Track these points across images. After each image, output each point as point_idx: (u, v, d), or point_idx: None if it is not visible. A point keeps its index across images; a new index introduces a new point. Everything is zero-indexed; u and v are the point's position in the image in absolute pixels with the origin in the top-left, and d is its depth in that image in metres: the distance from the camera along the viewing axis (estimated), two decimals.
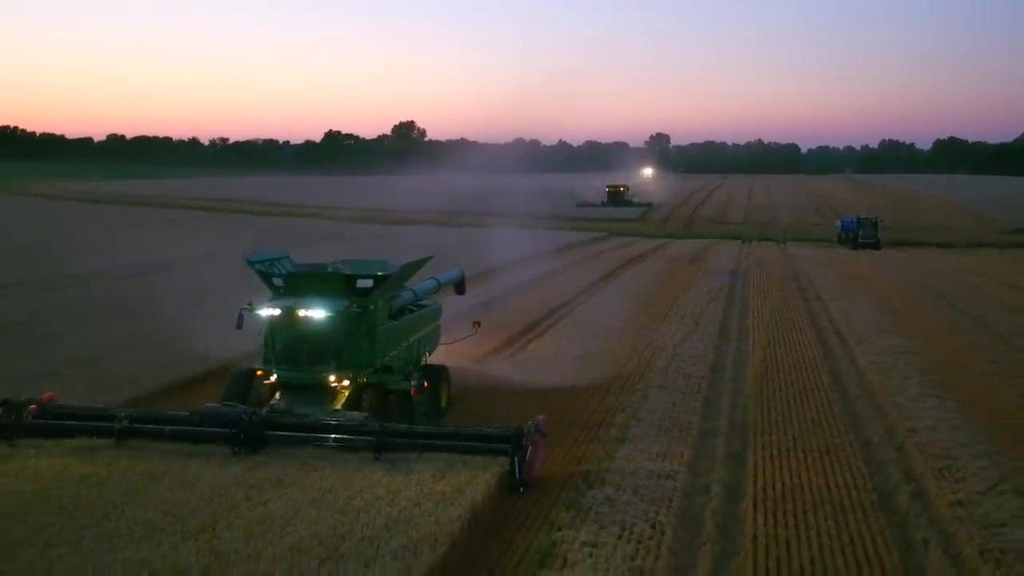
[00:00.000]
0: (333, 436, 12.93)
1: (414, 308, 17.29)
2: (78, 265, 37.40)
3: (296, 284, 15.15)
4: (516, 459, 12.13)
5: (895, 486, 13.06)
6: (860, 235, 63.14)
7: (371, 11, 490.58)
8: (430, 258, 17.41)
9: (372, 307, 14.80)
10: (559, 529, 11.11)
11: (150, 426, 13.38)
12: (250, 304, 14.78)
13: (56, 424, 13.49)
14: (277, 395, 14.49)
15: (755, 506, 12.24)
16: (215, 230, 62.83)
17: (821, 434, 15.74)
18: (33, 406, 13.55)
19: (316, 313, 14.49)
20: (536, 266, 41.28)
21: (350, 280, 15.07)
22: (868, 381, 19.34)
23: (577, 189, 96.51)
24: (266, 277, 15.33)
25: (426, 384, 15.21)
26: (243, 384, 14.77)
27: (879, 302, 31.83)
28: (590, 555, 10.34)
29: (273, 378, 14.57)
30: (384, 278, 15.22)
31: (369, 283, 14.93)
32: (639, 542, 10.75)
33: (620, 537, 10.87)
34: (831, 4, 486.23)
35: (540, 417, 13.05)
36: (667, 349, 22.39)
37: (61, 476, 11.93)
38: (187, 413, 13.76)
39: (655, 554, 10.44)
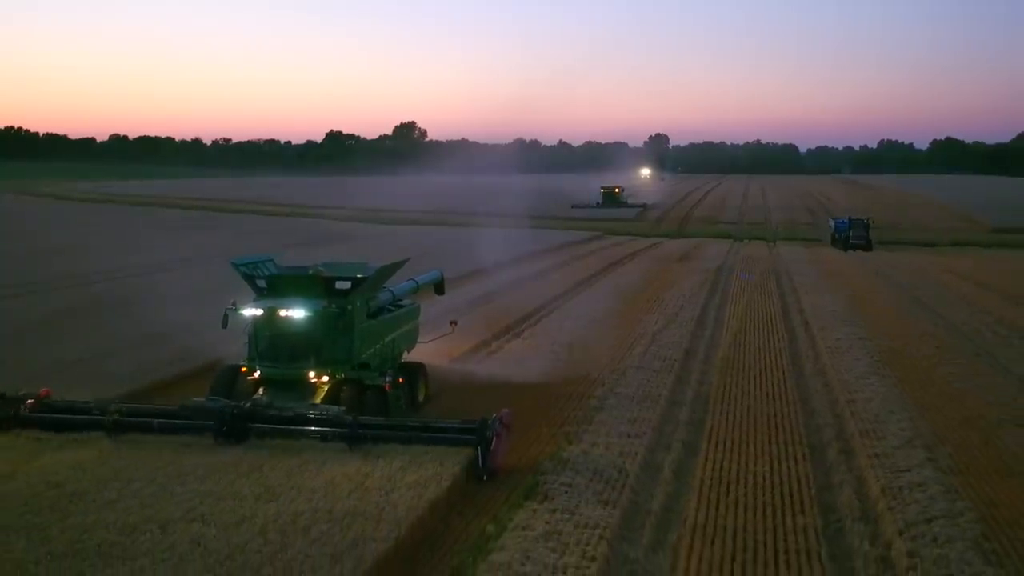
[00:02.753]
0: (310, 429, 13.85)
1: (392, 308, 18.08)
2: (98, 263, 39.48)
3: (278, 285, 16.04)
4: (480, 450, 13.04)
5: (827, 443, 15.57)
6: (851, 236, 62.44)
7: (373, 13, 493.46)
8: (406, 261, 18.25)
9: (350, 307, 15.60)
10: (542, 473, 13.49)
11: (139, 419, 14.33)
12: (234, 304, 15.71)
13: (51, 417, 14.45)
14: (260, 390, 15.33)
15: (707, 458, 14.71)
16: (222, 229, 65.17)
17: (773, 404, 18.21)
18: (31, 400, 14.52)
19: (296, 313, 15.45)
20: (532, 263, 43.75)
21: (329, 282, 15.98)
22: (822, 363, 21.80)
23: (571, 190, 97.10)
24: (250, 279, 16.23)
25: (401, 380, 16.16)
26: (228, 380, 15.63)
27: (849, 296, 34.28)
28: (566, 491, 12.74)
29: (257, 374, 15.49)
30: (362, 280, 16.13)
31: (347, 284, 15.80)
32: (607, 482, 13.16)
33: (592, 479, 13.27)
34: (830, 5, 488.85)
35: (505, 410, 13.91)
36: (647, 336, 24.81)
37: (128, 436, 14.31)
38: (174, 407, 14.67)
39: (619, 490, 12.85)
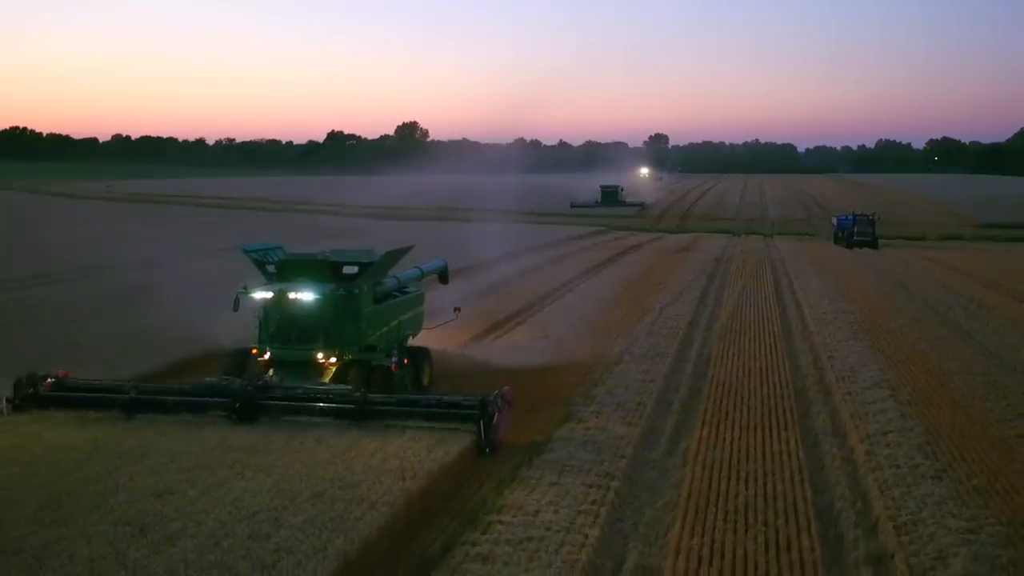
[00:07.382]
0: (318, 405, 14.27)
1: (398, 294, 18.56)
2: (120, 257, 39.76)
3: (288, 270, 16.50)
4: (482, 423, 13.57)
5: (809, 386, 18.76)
6: (856, 232, 58.61)
7: (374, 13, 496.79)
8: (411, 247, 18.67)
9: (357, 291, 16.04)
10: (575, 406, 16.63)
11: (153, 398, 14.74)
12: (245, 288, 16.04)
13: (69, 396, 14.75)
14: (270, 371, 15.67)
15: (708, 396, 17.86)
16: (233, 225, 67.31)
17: (765, 360, 21.38)
18: (49, 380, 14.85)
19: (305, 296, 15.86)
20: (542, 254, 46.91)
21: (337, 266, 16.36)
22: (809, 331, 24.97)
23: (573, 189, 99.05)
24: (260, 264, 16.73)
25: (406, 362, 16.63)
26: (239, 362, 16.03)
27: (837, 280, 37.48)
28: (596, 416, 15.89)
29: (267, 356, 15.82)
30: (368, 265, 16.52)
31: (354, 269, 16.25)
32: (629, 411, 16.31)
33: (616, 409, 16.42)
34: (828, 5, 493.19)
35: (506, 388, 14.53)
36: (654, 311, 27.96)
37: None
38: (188, 386, 15.11)
39: (640, 416, 16.00)
